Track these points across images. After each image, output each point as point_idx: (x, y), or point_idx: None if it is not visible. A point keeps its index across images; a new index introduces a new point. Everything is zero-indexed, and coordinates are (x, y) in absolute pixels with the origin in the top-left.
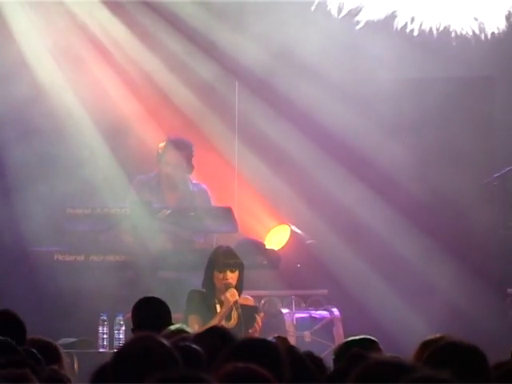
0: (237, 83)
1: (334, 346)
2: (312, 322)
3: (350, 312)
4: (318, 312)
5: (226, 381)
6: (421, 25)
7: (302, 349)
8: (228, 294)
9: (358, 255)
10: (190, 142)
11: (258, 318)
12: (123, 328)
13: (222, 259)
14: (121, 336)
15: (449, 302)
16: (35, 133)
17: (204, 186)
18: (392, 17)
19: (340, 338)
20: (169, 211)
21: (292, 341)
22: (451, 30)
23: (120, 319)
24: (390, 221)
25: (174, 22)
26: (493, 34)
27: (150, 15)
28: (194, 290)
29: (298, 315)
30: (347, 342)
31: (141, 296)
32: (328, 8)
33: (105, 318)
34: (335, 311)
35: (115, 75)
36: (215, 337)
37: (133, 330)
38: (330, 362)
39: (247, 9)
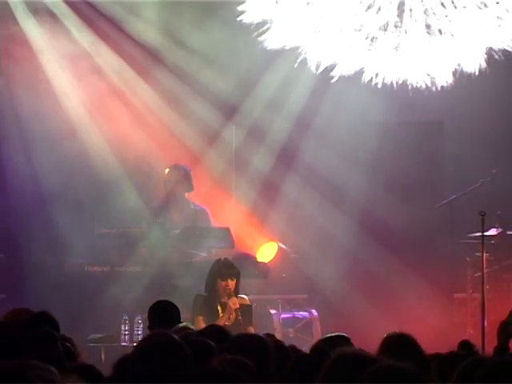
0: (234, 127)
1: (312, 341)
2: (295, 321)
3: (326, 313)
4: (299, 313)
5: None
6: (383, 79)
7: (287, 343)
8: (231, 303)
9: (333, 267)
10: (187, 166)
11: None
12: (141, 326)
13: (224, 269)
14: (139, 332)
15: (408, 305)
16: (69, 165)
17: (204, 207)
18: (360, 72)
19: (318, 334)
20: (178, 231)
21: (278, 337)
22: (408, 83)
23: (139, 319)
24: (360, 239)
25: (181, 75)
26: (442, 86)
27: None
28: (198, 295)
29: (283, 315)
30: (323, 339)
31: (155, 300)
32: (308, 65)
33: (126, 317)
34: (314, 312)
35: (134, 120)
36: (214, 332)
37: (149, 328)
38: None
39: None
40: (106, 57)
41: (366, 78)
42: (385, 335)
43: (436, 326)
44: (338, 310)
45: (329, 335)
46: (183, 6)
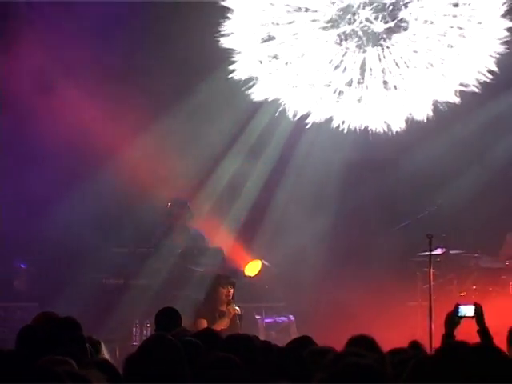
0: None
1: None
2: (276, 325)
3: (301, 317)
4: (279, 318)
5: (208, 366)
6: (349, 125)
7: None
8: (231, 309)
9: (306, 280)
10: (186, 199)
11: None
12: (149, 329)
13: (224, 279)
14: (148, 334)
15: (370, 310)
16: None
17: (202, 231)
18: (330, 120)
19: (294, 335)
20: (179, 250)
21: (262, 337)
22: (369, 128)
23: (147, 322)
24: (330, 259)
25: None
26: (397, 131)
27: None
28: (200, 302)
29: (266, 320)
30: (297, 338)
31: (161, 307)
32: (287, 114)
33: (137, 322)
34: (291, 317)
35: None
36: (207, 335)
37: (156, 330)
38: None
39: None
40: None
41: (334, 124)
42: (350, 336)
43: (392, 329)
44: (310, 316)
45: (302, 335)
46: None
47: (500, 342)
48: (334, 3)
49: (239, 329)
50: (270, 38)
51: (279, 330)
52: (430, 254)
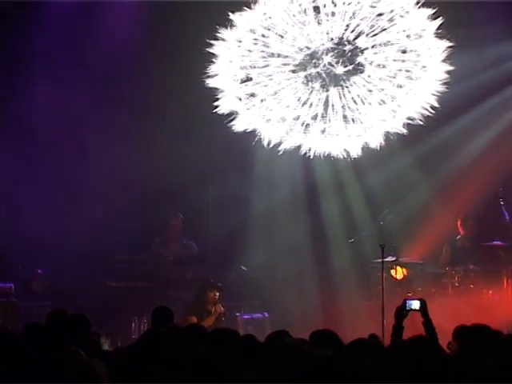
0: (210, 191)
1: (265, 335)
2: (253, 321)
3: (274, 314)
4: (256, 315)
5: (196, 357)
6: (314, 152)
7: None
8: (217, 308)
9: (280, 282)
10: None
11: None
12: (146, 324)
13: (212, 284)
14: (145, 329)
15: (333, 308)
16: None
17: (192, 242)
18: (298, 148)
19: (268, 330)
20: (171, 258)
21: (241, 332)
22: (331, 155)
23: (144, 319)
24: (302, 265)
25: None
26: (354, 157)
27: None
28: (191, 302)
29: (244, 316)
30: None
31: (156, 306)
32: (262, 142)
33: (136, 318)
34: (266, 314)
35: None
36: (196, 330)
37: (151, 325)
38: None
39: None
40: None
41: (302, 151)
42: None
43: (351, 323)
44: (282, 313)
45: (280, 329)
46: None
47: (441, 335)
48: (301, 50)
49: (223, 325)
50: (248, 79)
51: (255, 325)
52: (383, 261)
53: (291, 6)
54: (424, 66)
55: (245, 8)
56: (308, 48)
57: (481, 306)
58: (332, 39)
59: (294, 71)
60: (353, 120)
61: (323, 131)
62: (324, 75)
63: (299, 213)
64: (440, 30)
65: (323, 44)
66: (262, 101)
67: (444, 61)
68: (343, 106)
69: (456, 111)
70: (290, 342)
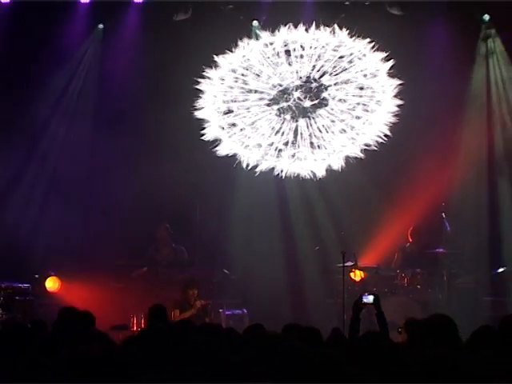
0: (198, 206)
1: (243, 328)
2: (234, 316)
3: (251, 310)
4: (236, 311)
5: (190, 345)
6: (286, 173)
7: None
8: (197, 303)
9: (256, 284)
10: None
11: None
12: (143, 319)
13: (191, 283)
14: (142, 323)
15: (301, 305)
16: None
17: (183, 248)
18: (272, 169)
19: (247, 324)
20: (165, 262)
21: (224, 325)
22: (300, 175)
23: (142, 314)
24: (280, 269)
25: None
26: (319, 178)
27: None
28: (175, 300)
29: (227, 312)
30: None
31: (152, 303)
32: (242, 165)
33: (134, 314)
34: (245, 310)
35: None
36: (184, 324)
37: (148, 320)
38: None
39: None
40: None
41: (275, 173)
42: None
43: (317, 318)
44: (258, 309)
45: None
46: None
47: (392, 327)
48: (275, 87)
49: (205, 316)
50: (230, 111)
51: (235, 320)
52: (343, 266)
53: (266, 50)
54: (378, 101)
55: (227, 51)
56: (280, 85)
57: (425, 302)
58: (301, 78)
59: (268, 105)
60: (318, 146)
61: (293, 155)
62: (294, 108)
63: (272, 225)
64: (391, 70)
65: (293, 82)
66: (241, 130)
67: (395, 96)
68: (310, 134)
69: (405, 138)
70: (264, 334)
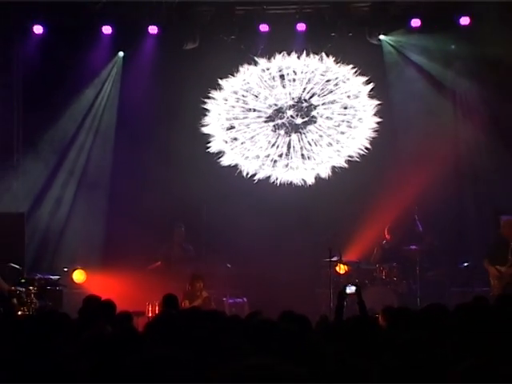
0: (204, 208)
1: (244, 314)
2: (236, 304)
3: (251, 299)
4: (238, 299)
5: (199, 329)
6: (280, 181)
7: None
8: (203, 293)
9: (254, 276)
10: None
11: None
12: (157, 307)
13: (198, 277)
14: (156, 310)
15: (292, 294)
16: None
17: (191, 246)
18: (268, 177)
19: (247, 311)
20: (176, 258)
21: (227, 312)
22: (293, 183)
23: (156, 302)
24: (268, 263)
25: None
26: (310, 184)
27: None
28: (184, 289)
29: (229, 301)
30: (250, 313)
31: (165, 292)
32: (242, 174)
33: (149, 302)
34: (245, 299)
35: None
36: (194, 312)
37: (162, 307)
38: None
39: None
40: None
41: (271, 180)
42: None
43: (308, 306)
44: (257, 298)
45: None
46: None
47: (371, 313)
48: (271, 106)
49: (210, 305)
50: (232, 127)
51: (237, 307)
52: (330, 260)
53: (263, 74)
54: (360, 118)
55: (230, 75)
56: (276, 105)
57: (401, 293)
58: (293, 98)
59: (265, 122)
60: (308, 157)
61: (286, 165)
62: (287, 124)
63: (269, 226)
64: (371, 92)
65: (287, 102)
66: (242, 143)
67: (374, 114)
68: (301, 147)
69: (383, 150)
70: (263, 319)
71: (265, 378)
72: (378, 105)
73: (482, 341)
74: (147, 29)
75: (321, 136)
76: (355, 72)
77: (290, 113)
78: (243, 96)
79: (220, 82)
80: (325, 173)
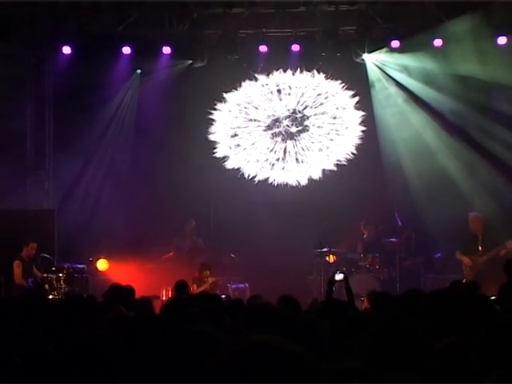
0: (211, 206)
1: (246, 298)
2: (238, 289)
3: (251, 285)
4: (240, 285)
5: (209, 311)
6: (277, 182)
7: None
8: (210, 279)
9: (255, 265)
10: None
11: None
12: (170, 291)
13: (205, 266)
14: (169, 294)
15: (287, 280)
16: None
17: (200, 239)
18: (267, 179)
19: (248, 295)
20: (187, 249)
21: (232, 296)
22: (288, 184)
23: (169, 288)
24: (267, 253)
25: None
26: (303, 185)
27: None
28: (194, 276)
29: (233, 286)
30: (251, 296)
31: (177, 279)
32: (244, 176)
33: (162, 287)
34: (246, 285)
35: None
36: (204, 296)
37: (174, 292)
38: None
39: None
40: None
41: (269, 181)
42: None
43: (301, 291)
44: (257, 284)
45: (252, 295)
46: None
47: (357, 297)
48: (269, 117)
49: (215, 290)
50: (235, 135)
51: (240, 292)
52: (321, 251)
53: (263, 89)
54: (347, 127)
55: (233, 90)
56: (273, 115)
57: (382, 279)
58: (289, 110)
59: (264, 130)
60: (302, 161)
61: (283, 168)
62: (284, 133)
63: (268, 221)
64: (357, 104)
65: (283, 113)
66: (244, 149)
67: (359, 124)
68: (296, 152)
69: (367, 155)
70: (262, 302)
71: (265, 352)
72: (363, 115)
73: (454, 322)
74: (162, 49)
75: (313, 143)
76: (343, 87)
77: (286, 122)
78: (245, 108)
79: (225, 95)
80: (316, 175)
